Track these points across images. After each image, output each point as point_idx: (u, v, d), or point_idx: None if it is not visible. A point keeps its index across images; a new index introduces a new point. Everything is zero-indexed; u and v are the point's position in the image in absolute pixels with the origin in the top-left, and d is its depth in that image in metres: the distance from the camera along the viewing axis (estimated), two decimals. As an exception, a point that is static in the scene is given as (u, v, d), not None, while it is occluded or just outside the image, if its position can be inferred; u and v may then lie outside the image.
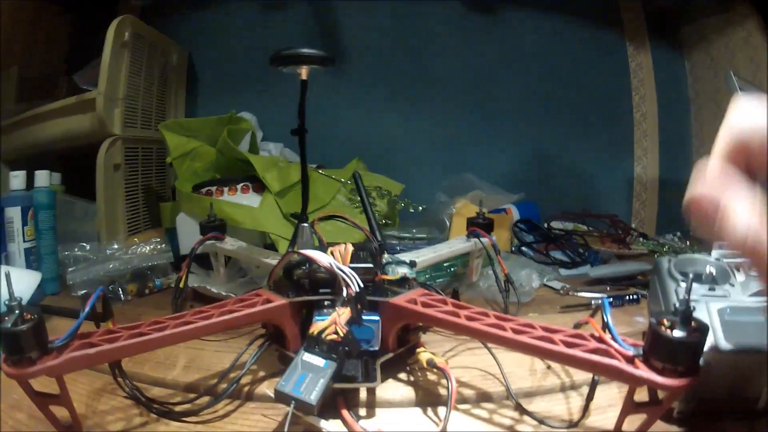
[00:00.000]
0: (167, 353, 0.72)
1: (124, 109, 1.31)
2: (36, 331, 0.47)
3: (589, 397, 0.56)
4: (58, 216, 1.13)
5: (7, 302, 0.48)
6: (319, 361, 0.53)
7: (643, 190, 1.87)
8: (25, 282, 0.91)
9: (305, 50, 0.68)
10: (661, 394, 0.47)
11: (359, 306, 0.58)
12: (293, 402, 0.49)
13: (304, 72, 0.71)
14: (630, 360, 0.45)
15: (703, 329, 0.44)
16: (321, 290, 0.63)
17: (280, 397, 0.50)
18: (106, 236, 1.25)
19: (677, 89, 1.87)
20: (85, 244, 1.16)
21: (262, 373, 0.67)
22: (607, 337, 0.48)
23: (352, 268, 0.60)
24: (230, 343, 0.76)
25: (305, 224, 0.79)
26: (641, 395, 0.48)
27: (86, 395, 0.62)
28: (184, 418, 0.58)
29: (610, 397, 0.61)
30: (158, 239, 1.19)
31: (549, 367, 0.68)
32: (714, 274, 0.62)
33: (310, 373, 0.51)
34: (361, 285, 0.59)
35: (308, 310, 0.63)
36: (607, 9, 1.84)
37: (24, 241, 1.05)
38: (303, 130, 0.76)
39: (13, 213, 1.05)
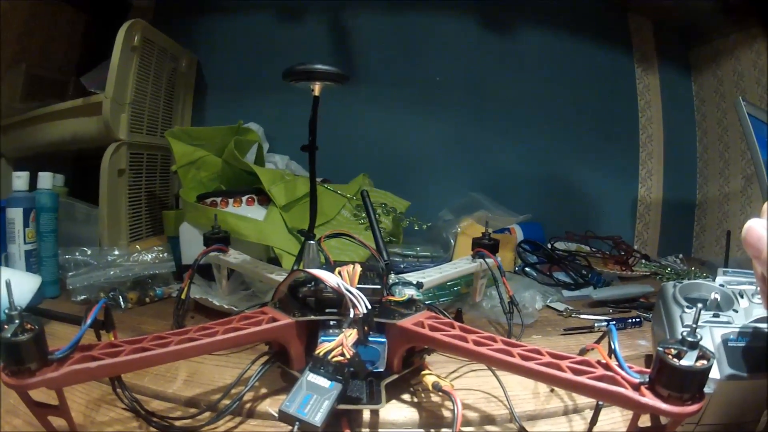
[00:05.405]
0: (168, 366, 0.71)
1: (131, 114, 1.30)
2: (36, 342, 0.46)
3: (593, 422, 0.56)
4: (59, 218, 1.12)
5: (7, 311, 0.47)
6: (324, 382, 0.52)
7: (646, 212, 1.87)
8: (25, 285, 0.91)
9: (320, 66, 0.67)
10: (663, 420, 0.47)
11: (366, 328, 0.58)
12: (297, 423, 0.48)
13: (317, 88, 0.70)
14: (636, 387, 0.45)
15: (709, 357, 0.44)
16: (327, 310, 0.62)
17: (285, 418, 0.49)
18: (107, 242, 1.24)
19: (683, 111, 1.88)
20: (86, 249, 1.15)
21: (264, 390, 0.66)
22: (614, 364, 0.48)
23: (359, 289, 0.60)
24: (231, 358, 0.75)
25: (312, 242, 0.78)
26: (643, 420, 0.48)
27: (84, 405, 0.62)
28: (184, 434, 0.57)
29: (613, 420, 0.61)
30: (160, 247, 1.19)
31: (552, 391, 0.68)
32: (718, 300, 0.62)
33: (315, 394, 0.51)
34: (369, 306, 0.58)
35: (312, 328, 0.62)
36: (616, 31, 1.85)
37: (25, 243, 1.05)
38: (314, 147, 0.75)
39: (15, 214, 1.04)
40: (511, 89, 1.83)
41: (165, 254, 1.17)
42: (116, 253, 1.16)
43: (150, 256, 1.15)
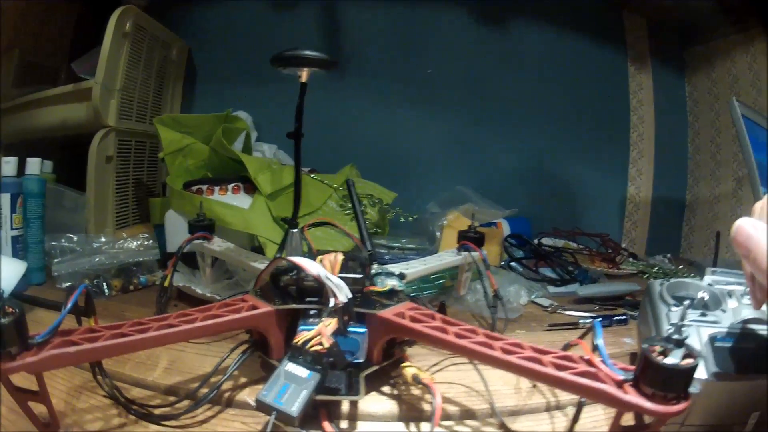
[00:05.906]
0: (149, 353, 0.71)
1: (120, 101, 1.30)
2: (17, 326, 0.46)
3: (575, 419, 0.56)
4: (47, 205, 1.12)
5: (-11, 294, 0.46)
6: (302, 371, 0.52)
7: (635, 210, 1.87)
8: (10, 270, 0.90)
9: (307, 52, 0.67)
10: (647, 419, 0.46)
11: (346, 317, 0.57)
12: (274, 413, 0.48)
13: (304, 74, 0.70)
14: (619, 384, 0.44)
15: (695, 356, 0.43)
16: (308, 299, 0.62)
17: (262, 407, 0.49)
18: (94, 229, 1.24)
19: (676, 112, 1.87)
20: (72, 236, 1.14)
21: (243, 380, 0.66)
22: (597, 360, 0.47)
23: (340, 278, 0.59)
24: (212, 346, 0.74)
25: (295, 230, 0.78)
26: (627, 419, 0.47)
27: (66, 392, 0.62)
28: (162, 422, 0.57)
29: (595, 418, 0.60)
30: (146, 235, 1.18)
31: (535, 386, 0.67)
32: (706, 299, 0.61)
33: (293, 384, 0.50)
34: (349, 295, 0.58)
35: (293, 318, 0.62)
36: (610, 29, 1.85)
37: (12, 229, 1.04)
38: (299, 134, 0.75)
39: (2, 199, 1.04)
40: (504, 86, 1.83)
41: (150, 242, 1.17)
42: (102, 240, 1.15)
43: (135, 243, 1.15)
